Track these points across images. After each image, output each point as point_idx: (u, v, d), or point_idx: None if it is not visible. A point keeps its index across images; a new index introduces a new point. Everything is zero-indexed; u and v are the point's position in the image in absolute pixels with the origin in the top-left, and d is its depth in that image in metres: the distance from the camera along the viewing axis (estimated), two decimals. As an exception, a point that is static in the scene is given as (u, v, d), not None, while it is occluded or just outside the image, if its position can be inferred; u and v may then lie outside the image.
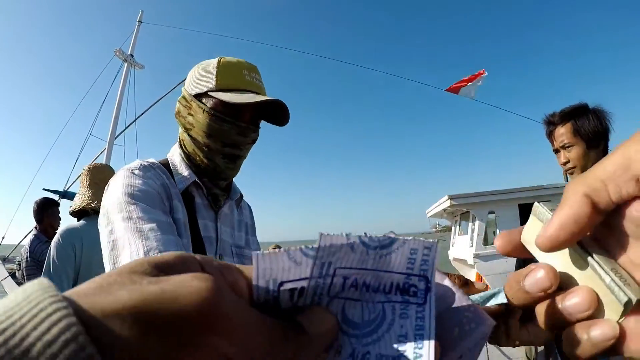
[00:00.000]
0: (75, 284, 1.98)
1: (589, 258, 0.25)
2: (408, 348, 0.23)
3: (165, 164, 1.06)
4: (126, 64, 9.20)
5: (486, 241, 6.82)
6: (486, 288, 0.45)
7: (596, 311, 0.25)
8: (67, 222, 3.57)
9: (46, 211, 3.72)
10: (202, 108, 1.00)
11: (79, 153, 8.96)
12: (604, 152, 1.68)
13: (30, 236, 3.73)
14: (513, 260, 6.55)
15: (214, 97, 0.99)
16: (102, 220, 0.90)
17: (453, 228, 8.43)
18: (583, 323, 0.25)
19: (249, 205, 1.29)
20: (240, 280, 0.23)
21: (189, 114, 1.02)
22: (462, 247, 7.43)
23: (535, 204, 0.29)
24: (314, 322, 0.23)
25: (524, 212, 6.97)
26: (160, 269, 0.20)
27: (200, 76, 1.02)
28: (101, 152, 8.75)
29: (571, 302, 0.25)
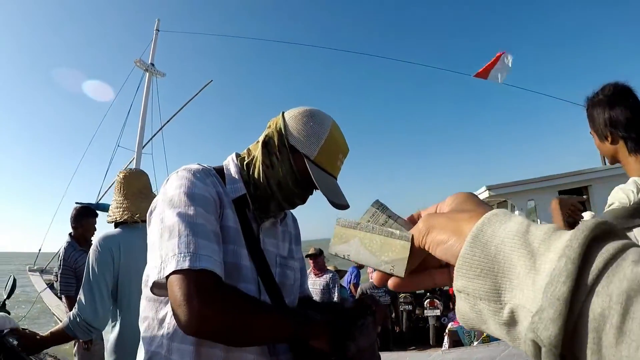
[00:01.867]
0: (115, 291, 1.98)
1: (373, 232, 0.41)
2: None
3: (220, 172, 1.09)
4: (147, 74, 9.21)
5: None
6: None
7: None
8: (102, 229, 3.57)
9: (82, 220, 3.80)
10: (290, 164, 1.04)
11: (109, 164, 9.03)
12: (627, 142, 1.51)
13: (64, 244, 3.79)
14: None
15: (306, 165, 1.03)
16: (157, 209, 0.96)
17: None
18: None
19: (292, 215, 1.32)
20: None
21: (276, 155, 1.05)
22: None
23: (339, 219, 0.43)
24: None
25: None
26: None
27: (307, 134, 1.04)
28: (130, 162, 8.81)
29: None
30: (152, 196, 2.20)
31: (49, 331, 1.90)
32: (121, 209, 2.11)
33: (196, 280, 0.82)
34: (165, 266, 0.85)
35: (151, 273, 0.89)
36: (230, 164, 1.11)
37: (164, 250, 0.87)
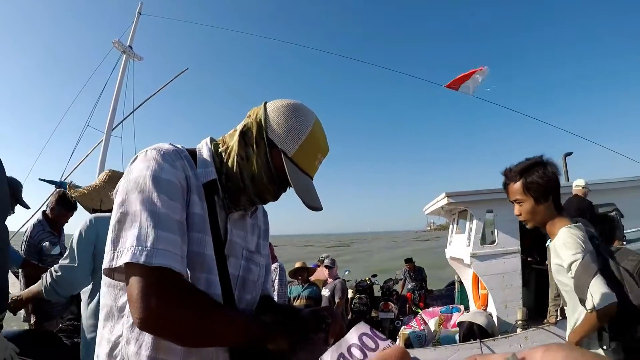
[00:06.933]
0: (94, 270, 2.11)
1: None
2: None
3: (193, 154, 1.05)
4: (125, 56, 9.11)
5: (484, 240, 6.69)
6: None
7: None
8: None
9: (63, 207, 3.66)
10: (267, 159, 1.00)
11: (76, 144, 8.83)
12: (555, 203, 1.92)
13: (34, 220, 3.72)
14: (511, 261, 6.42)
15: (283, 162, 0.99)
16: (120, 189, 0.92)
17: (450, 226, 8.28)
18: None
19: (263, 209, 1.28)
20: None
21: (252, 147, 1.01)
22: (459, 246, 7.29)
23: None
24: None
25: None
26: None
27: (288, 129, 1.00)
28: (98, 144, 8.73)
29: None
30: None
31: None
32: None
33: (151, 277, 0.81)
34: (120, 255, 0.83)
35: (105, 258, 0.86)
36: (204, 148, 1.07)
37: (122, 239, 0.85)
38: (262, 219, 1.26)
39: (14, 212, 3.37)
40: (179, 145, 1.03)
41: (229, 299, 0.99)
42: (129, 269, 0.83)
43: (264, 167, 1.00)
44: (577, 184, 5.86)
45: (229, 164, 1.02)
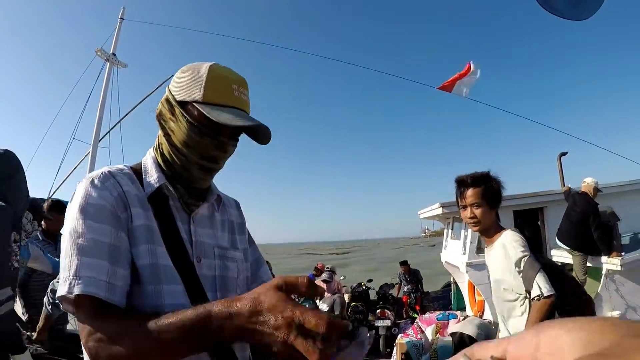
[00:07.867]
0: None
1: None
2: None
3: (137, 168, 1.04)
4: (108, 64, 8.83)
5: (479, 249, 6.66)
6: None
7: None
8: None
9: (55, 213, 3.61)
10: (185, 118, 0.98)
11: (62, 158, 8.63)
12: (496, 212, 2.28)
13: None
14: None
15: (198, 109, 0.96)
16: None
17: (445, 231, 8.22)
18: None
19: (235, 202, 1.26)
20: None
21: (171, 119, 1.01)
22: (455, 253, 7.27)
23: None
24: None
25: (519, 219, 6.80)
26: None
27: (188, 82, 0.99)
28: (85, 156, 8.56)
29: None
30: None
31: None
32: None
33: (75, 307, 0.83)
34: (59, 289, 0.84)
35: None
36: (148, 158, 1.07)
37: (60, 273, 0.86)
38: (236, 212, 1.23)
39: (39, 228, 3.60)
40: (121, 165, 1.04)
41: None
42: (62, 301, 0.85)
43: (189, 126, 0.98)
44: (588, 182, 5.73)
45: (164, 149, 1.03)
